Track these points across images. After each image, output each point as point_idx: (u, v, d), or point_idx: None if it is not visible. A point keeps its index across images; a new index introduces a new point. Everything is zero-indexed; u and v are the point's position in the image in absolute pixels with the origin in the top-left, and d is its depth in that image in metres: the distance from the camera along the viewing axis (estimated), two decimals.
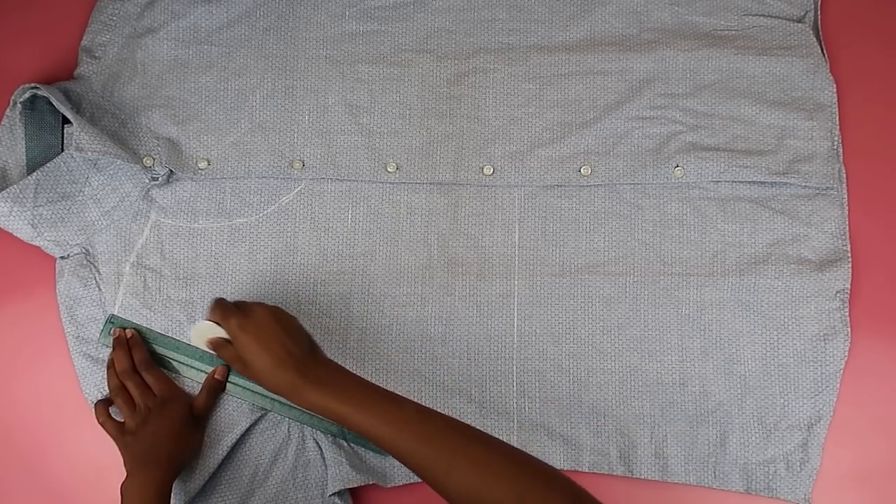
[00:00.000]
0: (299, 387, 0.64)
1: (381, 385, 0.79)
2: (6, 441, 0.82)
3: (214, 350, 0.70)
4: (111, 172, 0.81)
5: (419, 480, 0.79)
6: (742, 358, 0.81)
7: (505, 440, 0.79)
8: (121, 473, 0.79)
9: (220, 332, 0.69)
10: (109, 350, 0.79)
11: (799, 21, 0.87)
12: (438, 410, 0.79)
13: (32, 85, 0.79)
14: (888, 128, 0.86)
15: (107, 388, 0.79)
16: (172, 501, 0.75)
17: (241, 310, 0.68)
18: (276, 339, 0.66)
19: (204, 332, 0.70)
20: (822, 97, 0.85)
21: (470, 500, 0.58)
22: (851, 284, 0.81)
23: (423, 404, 0.79)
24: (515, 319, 0.82)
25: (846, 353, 0.80)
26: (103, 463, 0.81)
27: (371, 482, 0.77)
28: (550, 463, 0.79)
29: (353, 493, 0.79)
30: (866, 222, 0.84)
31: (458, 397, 0.81)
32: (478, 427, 0.79)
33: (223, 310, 0.68)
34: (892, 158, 0.85)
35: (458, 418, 0.79)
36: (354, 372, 0.81)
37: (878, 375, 0.82)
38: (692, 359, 0.81)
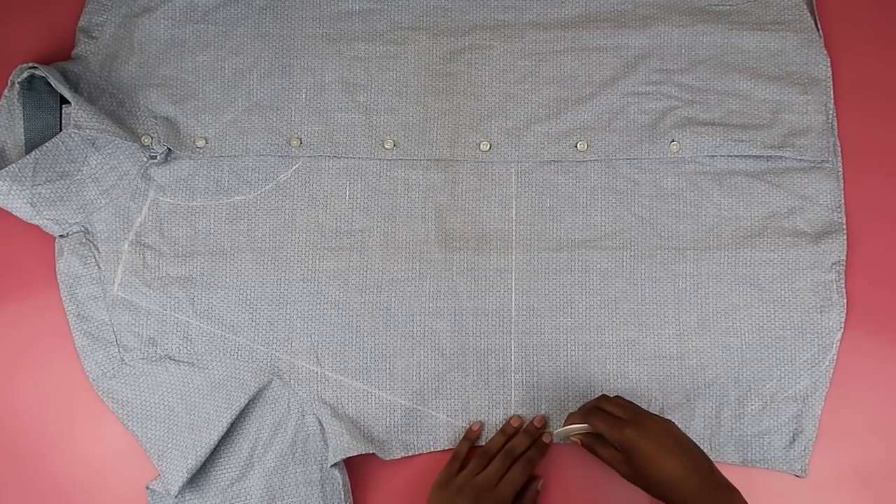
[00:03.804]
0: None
1: (379, 361, 0.81)
2: (6, 441, 0.82)
3: (589, 448, 0.75)
4: (109, 151, 0.81)
5: (418, 453, 0.80)
6: (739, 331, 0.81)
7: (502, 414, 0.81)
8: (120, 473, 0.80)
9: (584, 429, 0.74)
10: (110, 328, 0.80)
11: None
12: (436, 385, 0.81)
13: (30, 65, 0.79)
14: (882, 101, 0.86)
15: (108, 365, 0.79)
16: (173, 477, 0.76)
17: (629, 420, 0.71)
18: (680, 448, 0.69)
19: (567, 431, 0.75)
20: (817, 71, 0.85)
21: None
22: (846, 256, 0.82)
23: (420, 380, 0.80)
24: (513, 294, 0.82)
25: (842, 325, 0.81)
26: (103, 463, 0.81)
27: (370, 451, 0.78)
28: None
29: (351, 472, 0.80)
30: (861, 195, 0.84)
31: (456, 371, 0.81)
32: (476, 401, 0.81)
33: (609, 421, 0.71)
34: (886, 130, 0.86)
35: (456, 393, 0.81)
36: (354, 348, 0.82)
37: (877, 376, 0.82)
38: (689, 332, 0.81)
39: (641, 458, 0.68)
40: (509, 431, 0.79)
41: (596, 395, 0.81)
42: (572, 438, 0.77)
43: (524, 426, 0.80)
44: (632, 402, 0.73)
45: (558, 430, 0.76)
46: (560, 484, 0.81)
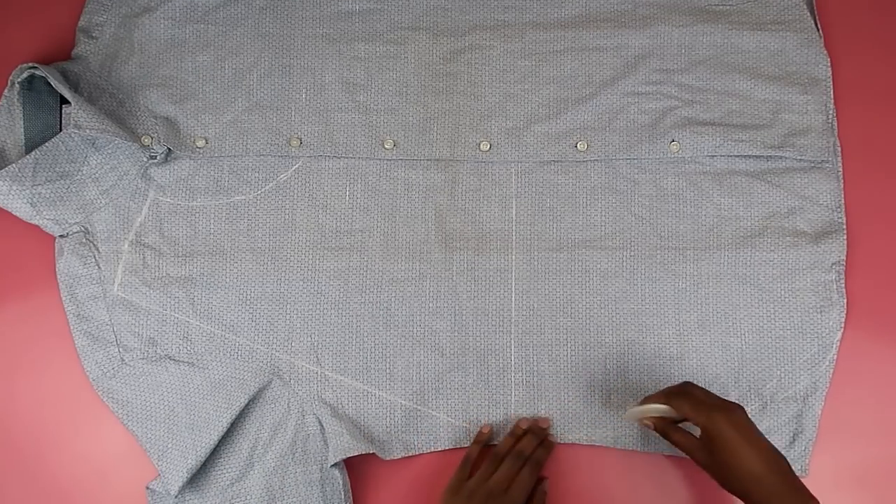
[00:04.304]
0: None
1: (379, 361, 0.81)
2: (6, 441, 0.82)
3: (662, 433, 0.72)
4: (109, 151, 0.81)
5: (418, 453, 0.80)
6: (739, 331, 0.81)
7: (503, 414, 0.80)
8: (120, 473, 0.80)
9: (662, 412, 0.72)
10: (110, 328, 0.80)
11: None
12: (436, 385, 0.81)
13: (30, 65, 0.79)
14: (882, 101, 0.86)
15: (108, 365, 0.79)
16: (173, 477, 0.76)
17: (717, 405, 0.68)
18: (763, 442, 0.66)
19: (644, 411, 0.73)
20: (817, 72, 0.85)
21: None
22: (847, 256, 0.82)
23: (421, 380, 0.80)
24: (513, 294, 0.82)
25: (842, 325, 0.81)
26: (103, 463, 0.81)
27: (370, 451, 0.78)
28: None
29: (352, 472, 0.80)
30: (861, 195, 0.84)
31: (456, 371, 0.81)
32: (476, 401, 0.81)
33: (695, 402, 0.69)
34: (886, 130, 0.86)
35: (456, 393, 0.81)
36: (354, 348, 0.81)
37: (877, 376, 0.82)
38: (689, 332, 0.81)
39: (724, 445, 0.66)
40: (518, 434, 0.79)
41: (596, 395, 0.81)
42: (644, 421, 0.74)
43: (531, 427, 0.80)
44: (716, 395, 0.71)
45: (632, 408, 0.74)
46: (564, 485, 0.81)
